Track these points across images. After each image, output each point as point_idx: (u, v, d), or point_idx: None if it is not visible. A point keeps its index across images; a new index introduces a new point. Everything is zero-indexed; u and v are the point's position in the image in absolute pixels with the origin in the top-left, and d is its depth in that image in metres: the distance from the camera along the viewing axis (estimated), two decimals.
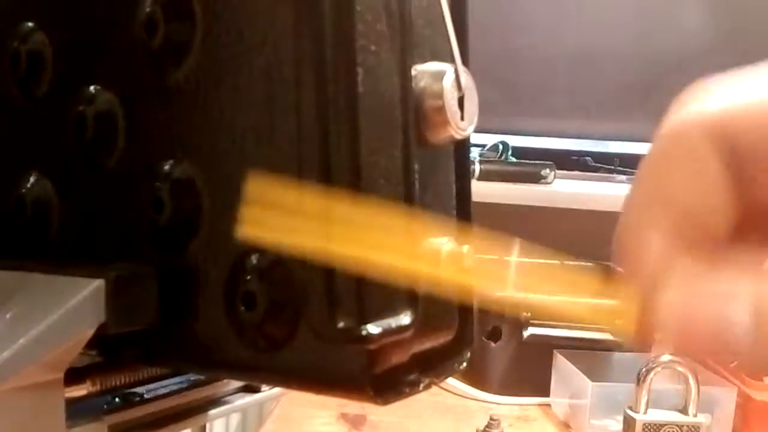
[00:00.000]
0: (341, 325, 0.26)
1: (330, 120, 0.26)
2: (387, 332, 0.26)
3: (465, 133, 0.28)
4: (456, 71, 0.28)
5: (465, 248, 0.29)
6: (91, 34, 0.34)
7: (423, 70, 0.28)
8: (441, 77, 0.27)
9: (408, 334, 0.27)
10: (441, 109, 0.27)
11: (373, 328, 0.26)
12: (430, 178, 0.29)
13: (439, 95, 0.27)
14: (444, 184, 0.31)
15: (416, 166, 0.28)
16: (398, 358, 0.28)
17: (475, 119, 0.28)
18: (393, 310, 0.27)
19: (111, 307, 0.29)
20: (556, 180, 1.27)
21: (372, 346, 0.26)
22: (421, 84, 0.28)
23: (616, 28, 1.39)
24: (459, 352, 0.32)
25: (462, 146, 0.31)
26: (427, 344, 0.30)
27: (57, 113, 0.35)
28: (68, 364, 0.31)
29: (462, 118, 0.28)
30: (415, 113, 0.27)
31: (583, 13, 1.40)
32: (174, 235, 0.32)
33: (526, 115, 1.45)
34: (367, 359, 0.27)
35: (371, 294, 0.26)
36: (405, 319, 0.27)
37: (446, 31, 0.28)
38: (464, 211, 0.31)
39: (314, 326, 0.27)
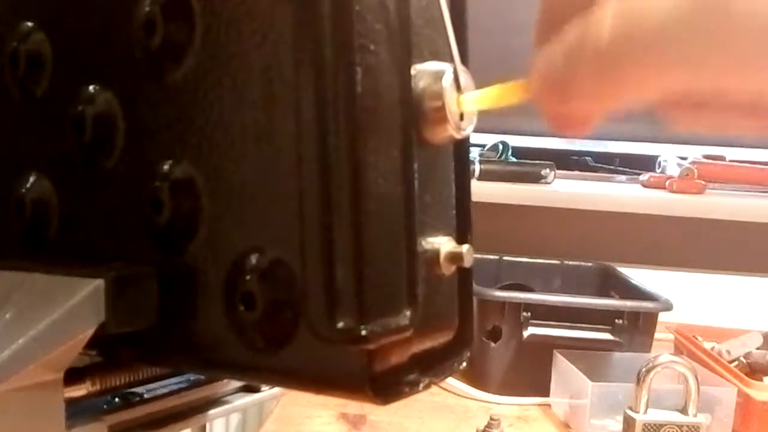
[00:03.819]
0: (341, 325, 0.26)
1: (329, 120, 0.26)
2: (386, 332, 0.26)
3: (465, 133, 0.28)
4: (455, 71, 0.28)
5: (465, 248, 0.29)
6: (91, 34, 0.34)
7: (422, 70, 0.28)
8: (440, 77, 0.27)
9: (407, 334, 0.27)
10: (440, 109, 0.27)
11: (372, 328, 0.26)
12: (429, 177, 0.29)
13: (439, 95, 0.27)
14: (444, 184, 0.31)
15: (416, 166, 0.28)
16: (398, 358, 0.28)
17: (475, 119, 0.28)
18: (392, 310, 0.27)
19: (111, 307, 0.29)
20: (556, 180, 1.28)
21: (371, 346, 0.26)
22: (421, 84, 0.27)
23: None
24: (459, 352, 0.32)
25: (462, 146, 0.31)
26: (427, 344, 0.30)
27: (56, 113, 0.35)
28: (68, 364, 0.31)
29: (461, 118, 0.28)
30: (415, 113, 0.27)
31: None
32: (173, 235, 0.31)
33: (526, 115, 1.45)
34: (367, 359, 0.27)
35: (371, 294, 0.26)
36: (404, 319, 0.27)
37: (446, 30, 0.28)
38: (464, 211, 0.31)
39: (313, 326, 0.27)
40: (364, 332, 0.26)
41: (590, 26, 0.21)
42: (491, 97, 0.26)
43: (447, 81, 0.27)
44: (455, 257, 0.29)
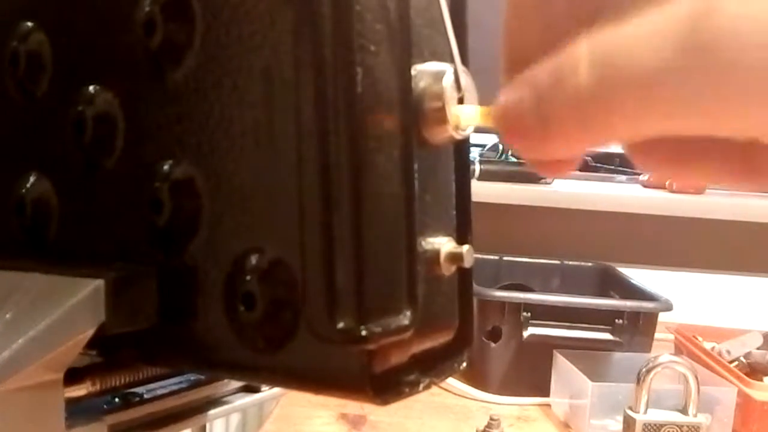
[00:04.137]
0: (340, 325, 0.26)
1: (329, 120, 0.26)
2: (386, 332, 0.26)
3: (465, 134, 0.28)
4: (455, 71, 0.28)
5: (465, 248, 0.29)
6: (91, 35, 0.34)
7: (422, 70, 0.28)
8: (441, 77, 0.27)
9: (407, 334, 0.27)
10: (441, 110, 0.27)
11: (372, 329, 0.26)
12: (429, 178, 0.29)
13: (439, 96, 0.27)
14: (444, 184, 0.31)
15: (416, 166, 0.28)
16: (398, 358, 0.28)
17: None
18: (392, 311, 0.27)
19: (111, 308, 0.29)
20: (556, 180, 1.28)
21: (371, 347, 0.26)
22: (421, 84, 0.27)
23: None
24: (459, 352, 0.32)
25: (462, 146, 0.31)
26: (427, 344, 0.30)
27: (56, 113, 0.35)
28: (68, 364, 0.31)
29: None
30: (415, 113, 0.27)
31: None
32: (173, 236, 0.31)
33: None
34: (367, 359, 0.27)
35: (371, 294, 0.26)
36: (404, 319, 0.27)
37: (446, 31, 0.28)
38: (464, 211, 0.31)
39: (313, 326, 0.27)
40: (363, 332, 0.26)
41: (566, 68, 0.20)
42: (487, 115, 0.25)
43: (447, 81, 0.27)
44: (455, 257, 0.29)
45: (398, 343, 0.28)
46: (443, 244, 0.29)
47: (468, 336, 0.32)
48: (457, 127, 0.27)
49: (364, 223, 0.26)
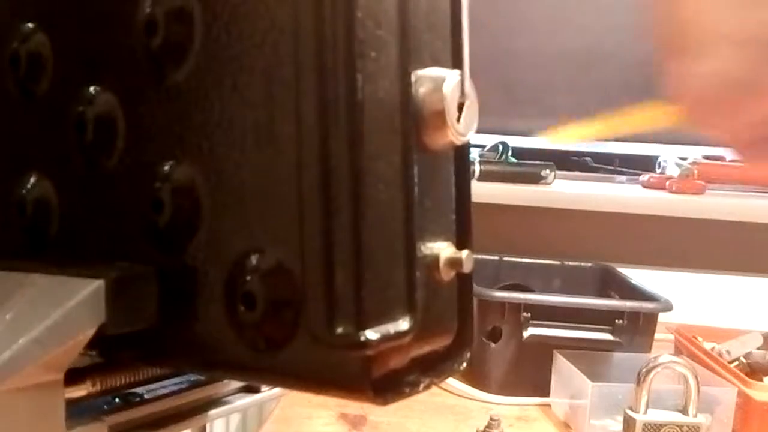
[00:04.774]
0: (340, 330, 0.26)
1: (330, 125, 0.26)
2: (385, 338, 0.26)
3: (465, 139, 0.28)
4: (461, 76, 0.27)
5: (464, 253, 0.29)
6: (91, 35, 0.34)
7: (423, 76, 0.28)
8: (441, 83, 0.27)
9: (406, 339, 0.27)
10: (441, 115, 0.27)
11: (371, 334, 0.26)
12: (430, 182, 0.29)
13: (440, 101, 0.27)
14: (444, 188, 0.31)
15: (416, 171, 0.28)
16: (397, 362, 0.28)
17: (475, 125, 0.28)
18: (391, 316, 0.27)
19: (111, 308, 0.29)
20: (556, 180, 1.28)
21: (370, 352, 0.26)
22: (421, 90, 0.27)
23: (616, 28, 1.39)
24: (459, 353, 0.32)
25: (462, 150, 0.31)
26: (426, 349, 0.30)
27: (57, 114, 0.35)
28: (68, 364, 0.31)
29: (459, 120, 0.28)
30: (415, 119, 0.27)
31: (583, 13, 1.40)
32: (174, 236, 0.32)
33: (526, 115, 1.45)
34: (366, 362, 0.27)
35: (370, 299, 0.26)
36: (403, 324, 0.27)
37: (446, 35, 0.28)
38: (464, 215, 0.31)
39: (313, 331, 0.27)
40: (363, 338, 0.26)
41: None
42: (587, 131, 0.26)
43: (448, 87, 0.27)
44: (455, 263, 0.29)
45: (397, 348, 0.28)
46: (443, 249, 0.29)
47: (468, 337, 0.32)
48: (458, 132, 0.27)
49: (363, 229, 0.26)
